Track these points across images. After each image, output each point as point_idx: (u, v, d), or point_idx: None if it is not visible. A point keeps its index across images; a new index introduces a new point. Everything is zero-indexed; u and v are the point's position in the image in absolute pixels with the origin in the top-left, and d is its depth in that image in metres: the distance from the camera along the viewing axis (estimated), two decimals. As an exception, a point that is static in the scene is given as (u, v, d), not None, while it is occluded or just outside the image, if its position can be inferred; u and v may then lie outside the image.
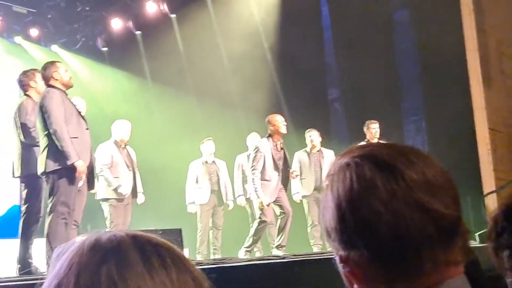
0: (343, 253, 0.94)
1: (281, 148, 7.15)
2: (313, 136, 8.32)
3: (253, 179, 6.97)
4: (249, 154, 7.66)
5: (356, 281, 0.94)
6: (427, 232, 0.89)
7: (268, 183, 6.98)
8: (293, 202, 8.27)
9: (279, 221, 7.07)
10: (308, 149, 8.38)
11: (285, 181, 7.22)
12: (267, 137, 7.10)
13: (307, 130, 8.44)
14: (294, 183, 8.18)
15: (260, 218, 7.00)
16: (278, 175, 7.04)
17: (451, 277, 0.91)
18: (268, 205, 6.91)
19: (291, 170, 7.35)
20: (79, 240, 0.75)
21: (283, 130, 7.08)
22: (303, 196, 8.23)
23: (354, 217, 0.91)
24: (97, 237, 0.74)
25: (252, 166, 6.98)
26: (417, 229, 0.89)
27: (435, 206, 0.90)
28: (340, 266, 0.97)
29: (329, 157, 8.28)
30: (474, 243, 7.15)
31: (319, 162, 8.28)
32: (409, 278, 0.90)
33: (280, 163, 7.08)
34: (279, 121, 7.08)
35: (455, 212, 0.92)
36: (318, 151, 8.34)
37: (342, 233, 0.93)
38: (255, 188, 6.92)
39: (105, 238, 0.73)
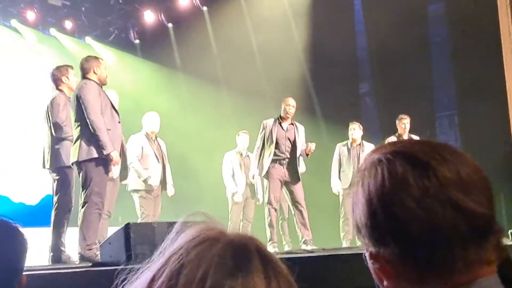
0: (373, 250, 0.93)
1: (291, 128, 7.27)
2: (353, 130, 8.29)
3: (254, 156, 7.41)
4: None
5: (386, 278, 0.93)
6: (459, 231, 0.87)
7: (267, 156, 7.16)
8: (328, 196, 8.30)
9: (295, 217, 7.13)
10: (349, 142, 8.34)
11: (292, 176, 7.22)
12: (276, 118, 7.34)
13: (350, 123, 8.40)
14: (333, 176, 8.23)
15: (268, 202, 7.14)
16: (272, 149, 7.15)
17: (483, 276, 0.90)
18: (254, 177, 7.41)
19: (308, 146, 7.29)
20: (207, 225, 0.75)
21: (288, 113, 7.23)
22: (342, 189, 8.23)
23: (385, 213, 0.90)
24: (229, 239, 0.73)
25: (256, 145, 7.37)
26: (449, 227, 0.87)
27: (468, 204, 0.88)
28: (369, 263, 0.96)
29: (369, 150, 8.20)
30: (507, 241, 7.05)
31: (358, 156, 8.23)
32: (440, 276, 0.89)
33: (286, 142, 7.20)
34: (286, 104, 7.26)
35: (489, 210, 0.90)
36: (358, 144, 8.29)
37: (373, 229, 0.92)
38: (252, 162, 7.44)
39: (236, 243, 0.73)
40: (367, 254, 0.96)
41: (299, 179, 7.22)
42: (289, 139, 7.24)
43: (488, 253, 0.90)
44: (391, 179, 0.91)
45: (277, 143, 7.17)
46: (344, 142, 8.39)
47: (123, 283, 0.78)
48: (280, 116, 7.31)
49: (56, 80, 6.03)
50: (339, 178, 8.27)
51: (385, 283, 0.94)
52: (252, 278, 0.69)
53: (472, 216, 0.88)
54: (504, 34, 7.21)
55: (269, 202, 7.13)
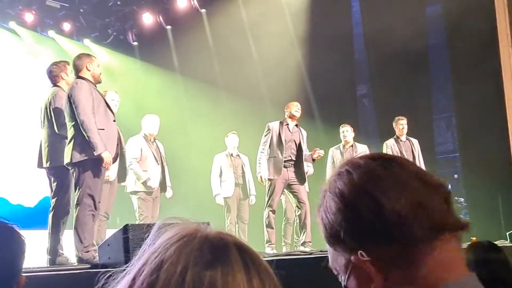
0: (353, 256, 0.94)
1: (293, 132, 7.33)
2: (345, 132, 8.29)
3: (260, 157, 7.35)
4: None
5: (375, 280, 0.94)
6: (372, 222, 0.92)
7: (274, 159, 7.16)
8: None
9: (297, 218, 7.15)
10: (341, 145, 8.35)
11: (300, 177, 7.24)
12: (281, 120, 7.41)
13: (341, 126, 8.41)
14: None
15: (269, 206, 7.13)
16: (283, 153, 7.17)
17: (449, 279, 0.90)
18: (268, 180, 7.15)
19: (316, 152, 7.38)
20: (183, 225, 0.77)
21: (296, 114, 7.36)
22: None
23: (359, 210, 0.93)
24: (206, 233, 0.75)
25: (261, 147, 7.36)
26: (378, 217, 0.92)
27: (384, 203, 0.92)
28: (350, 275, 0.97)
29: (363, 152, 8.23)
30: (505, 242, 7.06)
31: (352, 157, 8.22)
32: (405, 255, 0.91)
33: (292, 145, 7.27)
34: (294, 105, 7.41)
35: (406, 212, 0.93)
36: (351, 146, 8.30)
37: (352, 229, 0.95)
38: (259, 163, 7.32)
39: (213, 237, 0.75)
40: (348, 260, 0.96)
41: (304, 181, 7.26)
42: (294, 141, 7.30)
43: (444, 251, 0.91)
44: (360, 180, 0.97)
45: (282, 145, 7.20)
46: (337, 146, 8.38)
47: None
48: (285, 118, 7.36)
49: (55, 76, 5.96)
50: None
51: (372, 286, 0.94)
52: (232, 268, 0.71)
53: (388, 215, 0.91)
54: (501, 35, 7.23)
55: (270, 205, 7.13)
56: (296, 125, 7.41)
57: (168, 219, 0.83)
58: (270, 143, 7.26)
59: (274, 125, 7.34)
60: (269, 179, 7.16)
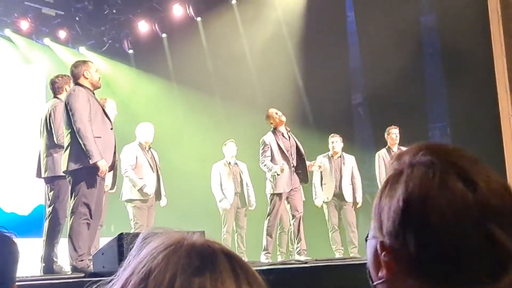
0: (387, 241, 0.93)
1: (289, 137, 7.32)
2: (335, 142, 8.29)
3: (264, 165, 7.17)
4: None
5: (385, 270, 0.93)
6: (483, 261, 0.87)
7: (279, 171, 7.08)
8: (313, 207, 8.28)
9: (291, 227, 7.13)
10: (329, 154, 8.34)
11: (304, 175, 7.26)
12: (272, 131, 7.32)
13: (331, 135, 8.40)
14: (316, 188, 8.19)
15: (269, 214, 7.09)
16: (290, 162, 7.13)
17: None
18: (282, 171, 6.98)
19: (310, 163, 7.44)
20: (168, 234, 0.77)
21: (283, 118, 7.29)
22: (324, 202, 8.20)
23: (421, 218, 0.89)
24: (192, 241, 0.75)
25: (262, 160, 7.21)
26: (476, 255, 0.87)
27: (502, 238, 0.87)
28: (371, 248, 0.96)
29: (350, 163, 8.25)
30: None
31: (339, 168, 8.23)
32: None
33: (292, 151, 7.23)
34: (274, 113, 7.33)
35: None
36: (339, 157, 8.29)
37: (399, 225, 0.92)
38: (265, 165, 7.12)
39: (200, 244, 0.74)
40: (376, 243, 0.95)
41: (307, 179, 7.35)
42: (293, 147, 7.30)
43: (501, 284, 0.88)
44: (439, 185, 0.90)
45: (285, 154, 7.16)
46: (325, 154, 8.37)
47: None
48: (276, 128, 7.30)
49: (58, 88, 5.98)
50: (322, 190, 8.24)
51: (380, 273, 0.94)
52: (221, 274, 0.71)
53: (501, 250, 0.87)
54: (495, 45, 7.26)
55: (272, 215, 7.10)
56: (288, 131, 7.39)
57: (153, 229, 0.82)
58: (271, 157, 7.15)
59: (270, 138, 7.25)
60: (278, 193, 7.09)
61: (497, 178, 0.94)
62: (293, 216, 7.14)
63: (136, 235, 4.32)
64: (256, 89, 10.68)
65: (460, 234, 0.87)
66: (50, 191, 5.71)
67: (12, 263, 1.74)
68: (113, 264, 3.88)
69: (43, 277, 5.02)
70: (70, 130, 5.16)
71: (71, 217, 5.12)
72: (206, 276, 0.70)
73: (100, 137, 5.20)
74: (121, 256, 3.83)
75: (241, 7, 11.05)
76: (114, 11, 11.23)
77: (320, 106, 10.40)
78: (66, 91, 5.86)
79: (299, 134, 7.77)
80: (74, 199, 5.11)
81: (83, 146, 5.05)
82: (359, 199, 8.20)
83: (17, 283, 1.77)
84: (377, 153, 8.19)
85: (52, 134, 5.70)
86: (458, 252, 0.87)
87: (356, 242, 8.04)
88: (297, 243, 7.07)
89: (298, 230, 7.07)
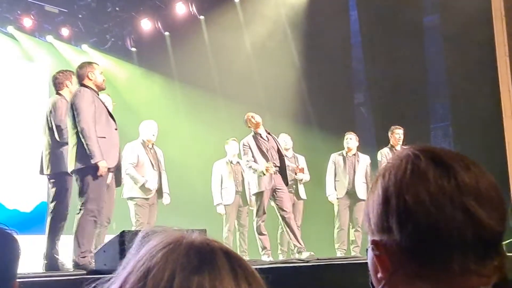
0: (377, 238, 0.95)
1: (269, 138, 7.35)
2: (349, 140, 8.30)
3: (249, 167, 7.22)
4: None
5: (381, 269, 0.95)
6: (464, 236, 0.88)
7: (262, 171, 7.11)
8: (323, 205, 8.30)
9: (285, 228, 7.12)
10: (344, 152, 8.35)
11: (284, 177, 7.26)
12: (252, 134, 7.39)
13: (346, 133, 8.43)
14: (329, 185, 8.22)
15: (257, 214, 7.12)
16: (271, 163, 7.15)
17: (478, 287, 0.90)
18: (267, 171, 7.04)
19: (299, 167, 7.48)
20: (167, 233, 0.77)
21: (259, 119, 7.35)
22: (336, 198, 8.21)
23: (397, 201, 0.92)
24: (191, 239, 0.75)
25: (246, 162, 7.29)
26: (455, 229, 0.88)
27: (480, 214, 0.89)
28: (370, 251, 0.97)
29: (364, 162, 8.26)
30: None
31: (353, 166, 8.24)
32: (435, 276, 0.90)
33: (272, 152, 7.25)
34: (251, 116, 7.41)
35: (498, 227, 0.91)
36: (353, 154, 8.31)
37: (382, 215, 0.94)
38: (250, 167, 7.18)
39: (199, 242, 0.74)
40: (369, 243, 0.97)
41: (287, 184, 7.31)
42: (273, 147, 7.29)
43: (487, 270, 0.90)
44: (412, 172, 0.93)
45: (265, 155, 7.19)
46: (340, 152, 8.39)
47: None
48: (255, 130, 7.33)
49: (59, 84, 5.98)
50: (335, 187, 8.26)
51: (379, 275, 0.95)
52: (219, 272, 0.71)
53: (480, 227, 0.89)
54: (498, 45, 7.25)
55: (259, 215, 7.11)
56: (268, 132, 7.41)
57: (152, 227, 0.82)
58: (254, 159, 7.20)
59: (249, 140, 7.32)
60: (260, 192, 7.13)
61: (477, 168, 0.95)
62: (283, 218, 7.11)
63: (137, 233, 4.32)
64: (258, 88, 10.68)
65: (437, 213, 0.89)
66: (53, 188, 5.73)
67: (13, 260, 1.74)
68: (114, 262, 3.88)
69: (44, 274, 5.03)
70: (75, 130, 5.22)
71: (79, 213, 5.16)
72: (204, 275, 0.70)
73: (104, 137, 5.27)
74: (122, 254, 3.83)
75: (244, 6, 11.04)
76: (117, 8, 11.24)
77: (322, 105, 10.39)
78: (67, 87, 5.92)
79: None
80: (82, 197, 5.16)
81: (85, 146, 5.11)
82: None
83: (18, 280, 1.77)
84: (379, 152, 8.18)
85: (53, 131, 5.72)
86: (439, 231, 0.89)
87: (359, 242, 8.06)
88: (295, 242, 7.05)
89: (291, 230, 7.06)
